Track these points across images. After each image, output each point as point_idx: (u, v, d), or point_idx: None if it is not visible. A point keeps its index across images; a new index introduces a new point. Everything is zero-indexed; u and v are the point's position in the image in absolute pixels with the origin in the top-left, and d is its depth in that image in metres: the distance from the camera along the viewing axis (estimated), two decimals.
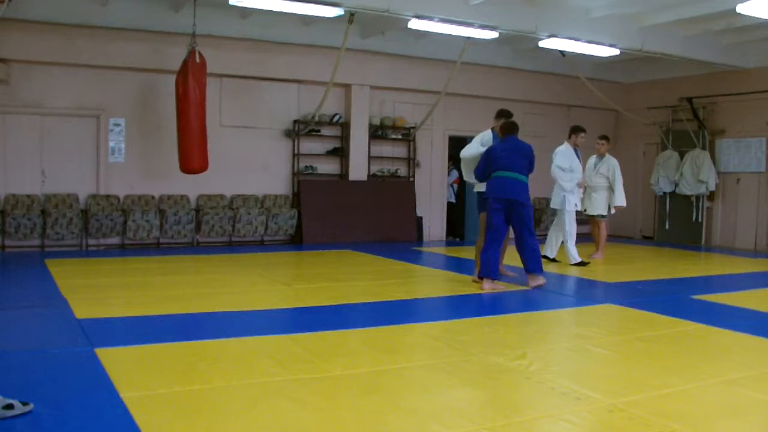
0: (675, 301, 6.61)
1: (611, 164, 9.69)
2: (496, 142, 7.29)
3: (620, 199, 9.68)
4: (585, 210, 9.79)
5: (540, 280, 7.12)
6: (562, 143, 9.27)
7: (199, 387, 3.59)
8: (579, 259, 8.98)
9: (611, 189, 9.69)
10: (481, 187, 7.35)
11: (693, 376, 3.98)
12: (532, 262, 7.09)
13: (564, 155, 9.05)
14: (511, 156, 7.00)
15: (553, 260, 9.25)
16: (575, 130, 9.22)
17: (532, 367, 4.05)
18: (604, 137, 9.92)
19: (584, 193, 9.61)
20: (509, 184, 6.93)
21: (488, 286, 6.87)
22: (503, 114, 7.48)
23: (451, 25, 9.40)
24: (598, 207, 9.74)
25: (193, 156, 9.42)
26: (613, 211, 9.85)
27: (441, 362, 4.17)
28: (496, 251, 6.99)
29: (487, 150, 7.17)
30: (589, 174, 9.69)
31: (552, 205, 9.42)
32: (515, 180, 6.94)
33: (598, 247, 9.92)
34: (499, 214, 6.95)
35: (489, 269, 6.91)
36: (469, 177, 7.63)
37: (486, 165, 7.08)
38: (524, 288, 7.14)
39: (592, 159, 9.84)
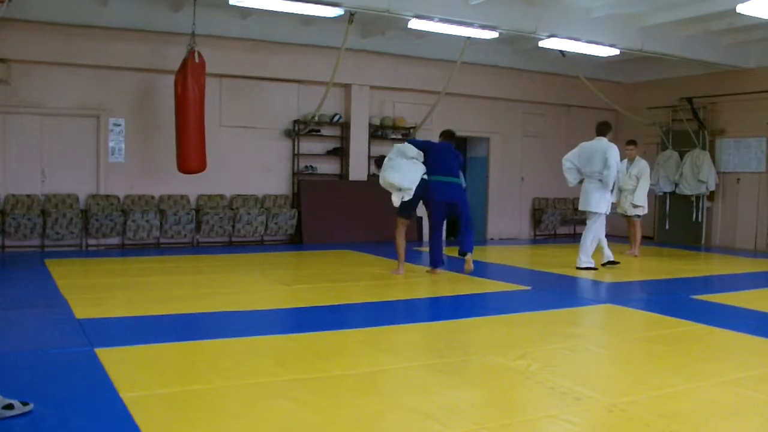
0: (675, 301, 6.61)
1: (641, 166, 10.10)
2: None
3: (639, 198, 10.05)
4: (626, 211, 10.14)
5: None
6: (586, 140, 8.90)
7: (199, 387, 3.59)
8: (592, 263, 8.67)
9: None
10: None
11: (693, 376, 3.97)
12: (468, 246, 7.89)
13: (617, 154, 8.54)
14: (444, 156, 7.72)
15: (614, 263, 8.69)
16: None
17: (532, 367, 4.04)
18: (632, 142, 10.27)
19: (620, 195, 9.99)
20: (448, 187, 7.68)
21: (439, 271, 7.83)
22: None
23: (451, 25, 9.39)
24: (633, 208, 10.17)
25: (191, 156, 9.42)
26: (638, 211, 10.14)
27: (441, 362, 4.17)
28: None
29: (427, 145, 7.87)
30: (623, 178, 9.94)
31: (587, 208, 8.59)
32: (452, 183, 7.71)
33: (632, 245, 10.26)
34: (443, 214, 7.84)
35: (440, 259, 7.87)
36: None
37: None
38: (525, 288, 7.15)
39: (623, 163, 9.91)
